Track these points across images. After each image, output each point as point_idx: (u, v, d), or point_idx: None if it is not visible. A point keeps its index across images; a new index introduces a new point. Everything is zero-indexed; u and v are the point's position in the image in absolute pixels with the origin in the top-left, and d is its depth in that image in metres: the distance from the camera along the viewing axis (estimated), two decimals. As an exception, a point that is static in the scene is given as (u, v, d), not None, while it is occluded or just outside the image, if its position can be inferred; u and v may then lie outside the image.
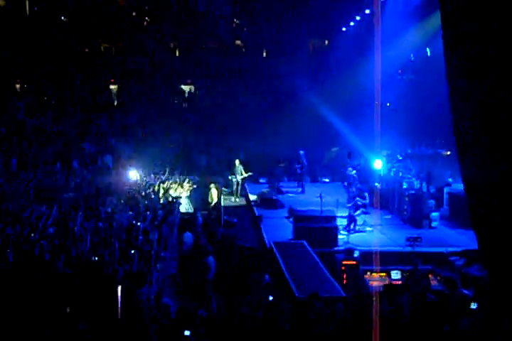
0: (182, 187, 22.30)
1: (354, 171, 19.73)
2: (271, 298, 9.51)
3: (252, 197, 21.72)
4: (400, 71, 27.82)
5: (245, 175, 22.42)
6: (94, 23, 33.11)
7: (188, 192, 22.25)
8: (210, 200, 21.40)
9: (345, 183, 20.59)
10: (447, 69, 4.31)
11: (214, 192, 21.55)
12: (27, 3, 33.83)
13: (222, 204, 21.37)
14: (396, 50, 23.80)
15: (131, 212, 15.59)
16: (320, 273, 12.53)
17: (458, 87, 4.21)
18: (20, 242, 12.31)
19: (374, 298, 8.26)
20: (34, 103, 30.02)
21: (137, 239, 12.89)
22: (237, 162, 22.56)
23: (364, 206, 17.56)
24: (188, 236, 14.95)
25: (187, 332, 7.36)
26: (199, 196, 22.26)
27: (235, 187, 22.48)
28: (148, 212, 15.88)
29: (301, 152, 23.31)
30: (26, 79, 32.77)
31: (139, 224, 13.90)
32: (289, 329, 7.54)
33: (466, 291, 10.41)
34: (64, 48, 32.43)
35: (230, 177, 22.72)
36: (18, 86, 33.11)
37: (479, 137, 3.99)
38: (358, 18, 29.22)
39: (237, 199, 22.37)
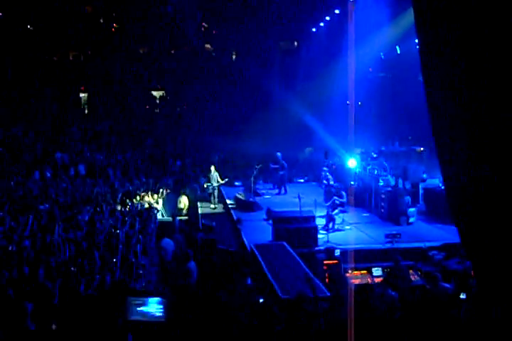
0: (157, 193, 22.08)
1: (327, 170, 19.82)
2: (260, 300, 9.50)
3: (229, 202, 21.56)
4: (370, 69, 28.04)
5: (222, 181, 22.07)
6: (62, 30, 32.77)
7: (162, 198, 21.98)
8: (181, 207, 21.18)
9: (325, 182, 20.60)
10: (423, 69, 4.34)
11: (184, 199, 21.36)
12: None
13: (199, 209, 21.26)
14: (366, 48, 23.99)
15: (110, 221, 15.46)
16: (302, 274, 12.53)
17: (434, 86, 4.23)
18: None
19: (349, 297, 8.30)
20: (4, 113, 29.62)
21: (117, 247, 12.78)
22: (212, 168, 22.21)
23: (342, 205, 17.65)
24: (167, 241, 14.86)
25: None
26: (173, 202, 21.98)
27: (211, 194, 22.03)
28: (126, 218, 15.77)
29: (278, 153, 23.34)
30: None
31: (118, 231, 13.79)
32: (277, 331, 7.53)
33: (446, 285, 10.50)
34: (32, 57, 32.09)
35: (205, 185, 22.31)
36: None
37: (458, 136, 4.02)
38: (327, 18, 29.35)
39: (215, 206, 21.92)
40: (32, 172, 23.03)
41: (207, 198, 22.37)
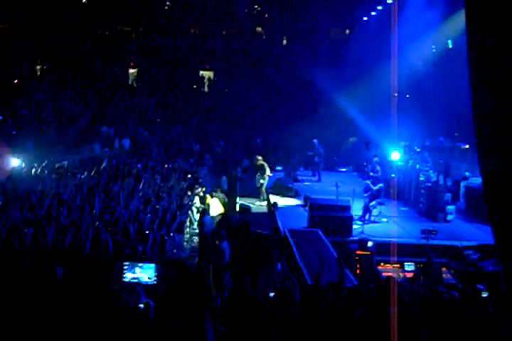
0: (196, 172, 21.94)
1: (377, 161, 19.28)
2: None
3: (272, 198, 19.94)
4: (420, 62, 27.60)
5: (269, 174, 20.17)
6: (115, 6, 33.06)
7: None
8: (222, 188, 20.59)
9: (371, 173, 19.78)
10: (469, 66, 4.31)
11: (224, 180, 21.05)
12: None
13: (238, 190, 20.79)
14: (417, 41, 23.62)
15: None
16: (333, 263, 12.54)
17: (479, 82, 4.20)
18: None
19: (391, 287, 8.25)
20: (53, 85, 30.11)
21: (153, 222, 13.02)
22: (259, 158, 20.19)
23: (374, 195, 17.40)
24: (208, 219, 14.96)
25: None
26: (212, 181, 21.69)
27: (260, 188, 20.00)
28: (163, 194, 15.96)
29: (315, 140, 23.20)
30: (46, 61, 32.94)
31: (157, 207, 14.03)
32: (299, 316, 7.58)
33: (479, 286, 10.38)
34: (84, 31, 32.51)
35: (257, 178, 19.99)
36: (38, 67, 33.32)
37: (499, 130, 3.99)
38: (379, 7, 28.94)
39: (262, 203, 19.92)
40: (78, 145, 23.33)
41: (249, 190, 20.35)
